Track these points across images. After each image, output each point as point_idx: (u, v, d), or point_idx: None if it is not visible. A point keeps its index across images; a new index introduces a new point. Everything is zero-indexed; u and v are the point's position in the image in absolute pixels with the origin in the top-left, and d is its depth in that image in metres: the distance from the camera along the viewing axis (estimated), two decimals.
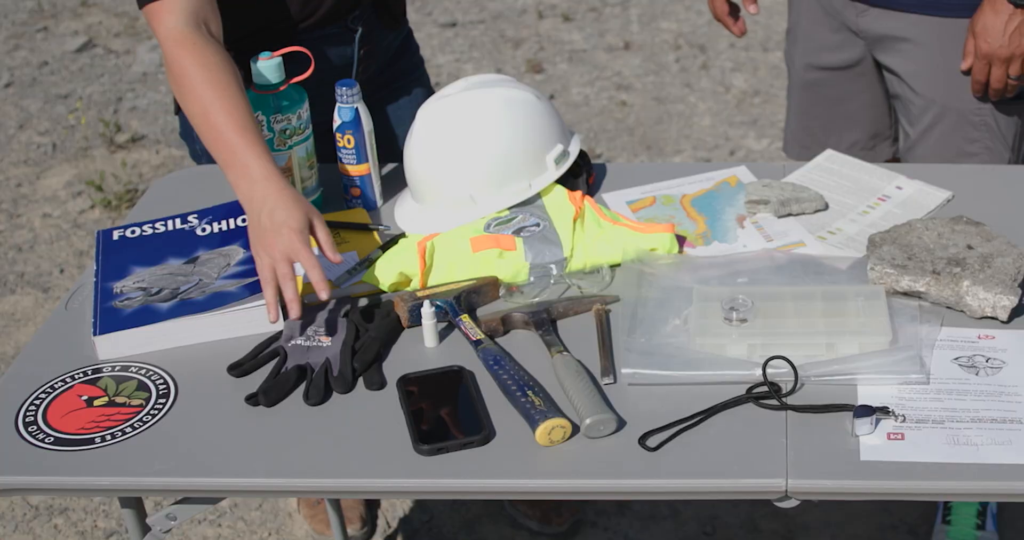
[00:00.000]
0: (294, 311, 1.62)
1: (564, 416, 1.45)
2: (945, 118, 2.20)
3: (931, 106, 2.20)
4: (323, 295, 1.60)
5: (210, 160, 2.09)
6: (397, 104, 2.18)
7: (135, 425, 1.52)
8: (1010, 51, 2.04)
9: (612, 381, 1.54)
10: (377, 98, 2.13)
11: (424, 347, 1.63)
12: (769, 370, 1.51)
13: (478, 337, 1.60)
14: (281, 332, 1.66)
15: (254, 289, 1.66)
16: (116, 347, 1.64)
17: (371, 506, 2.62)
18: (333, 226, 1.84)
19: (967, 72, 2.13)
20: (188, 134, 2.11)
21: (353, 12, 2.03)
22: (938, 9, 2.12)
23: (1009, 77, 2.08)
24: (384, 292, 1.73)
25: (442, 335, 1.65)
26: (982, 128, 2.19)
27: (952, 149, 2.22)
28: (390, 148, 2.09)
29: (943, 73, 2.16)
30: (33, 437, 1.51)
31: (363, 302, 1.72)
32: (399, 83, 2.19)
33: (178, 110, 2.05)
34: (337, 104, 1.89)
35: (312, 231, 1.64)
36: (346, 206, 1.95)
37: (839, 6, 2.25)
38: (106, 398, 1.57)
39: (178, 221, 1.86)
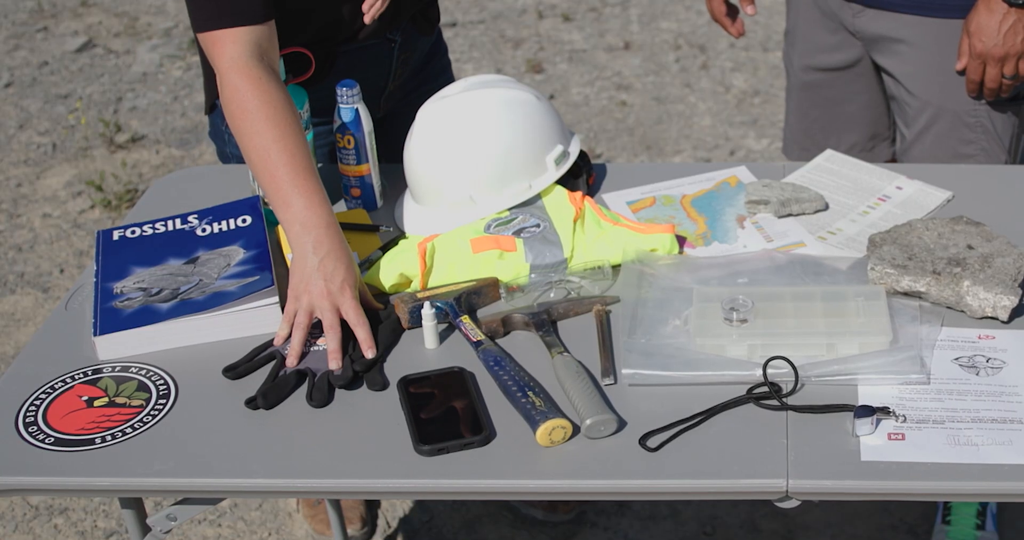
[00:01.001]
0: (335, 363, 1.58)
1: (565, 417, 1.45)
2: (941, 119, 2.20)
3: (927, 107, 2.20)
4: (370, 354, 1.59)
5: (236, 161, 2.09)
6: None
7: (135, 426, 1.52)
8: (1004, 50, 2.05)
9: (612, 382, 1.54)
10: (407, 102, 2.11)
11: (424, 348, 1.63)
12: (769, 370, 1.51)
13: (478, 338, 1.60)
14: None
15: (254, 289, 1.66)
16: (116, 347, 1.64)
17: (371, 506, 2.62)
18: None
19: (962, 72, 2.13)
20: (218, 134, 2.10)
21: (395, 26, 2.03)
22: (933, 10, 2.13)
23: (1004, 77, 2.09)
24: (385, 293, 1.73)
25: (442, 336, 1.65)
26: (978, 129, 2.19)
27: (948, 150, 2.22)
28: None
29: (938, 74, 2.17)
30: (33, 437, 1.51)
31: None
32: (428, 86, 2.17)
33: (210, 110, 2.04)
34: (337, 104, 1.89)
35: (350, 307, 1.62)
36: (346, 206, 1.95)
37: (835, 7, 2.25)
38: (106, 398, 1.57)
39: (178, 221, 1.86)
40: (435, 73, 2.20)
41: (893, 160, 2.45)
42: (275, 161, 1.67)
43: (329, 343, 1.59)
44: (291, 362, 1.60)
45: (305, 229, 1.65)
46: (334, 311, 1.61)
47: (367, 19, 1.93)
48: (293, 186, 1.66)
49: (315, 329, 1.64)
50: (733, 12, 2.36)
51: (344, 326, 1.62)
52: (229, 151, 2.08)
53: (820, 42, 2.32)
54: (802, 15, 2.34)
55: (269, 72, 1.74)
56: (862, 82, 2.33)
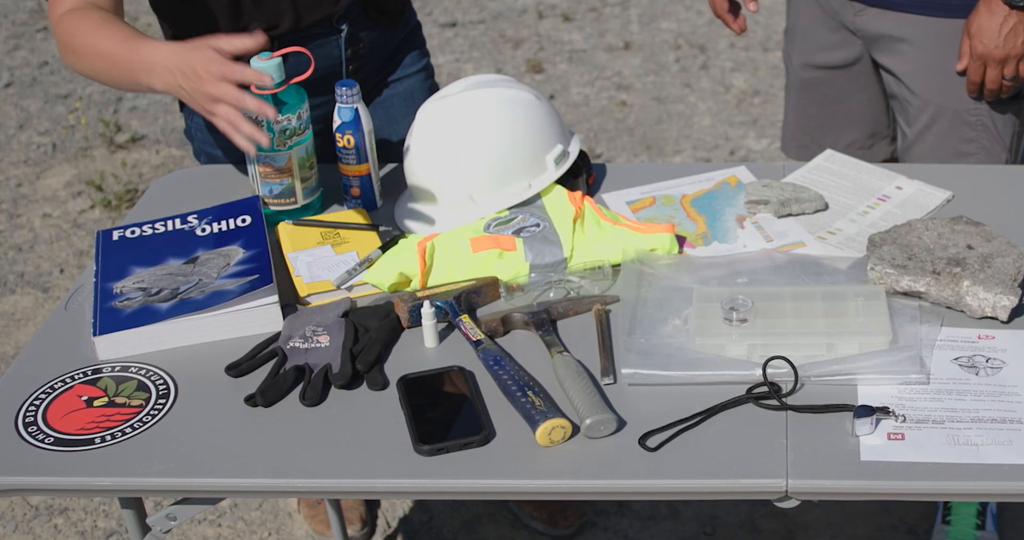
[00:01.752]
0: (265, 140, 1.63)
1: (564, 416, 1.45)
2: (942, 118, 2.20)
3: (927, 106, 2.20)
4: (270, 113, 1.63)
5: (209, 160, 2.10)
6: (391, 103, 2.17)
7: (135, 425, 1.52)
8: (1005, 52, 2.05)
9: (612, 381, 1.54)
10: (372, 98, 2.12)
11: (424, 347, 1.63)
12: (769, 370, 1.51)
13: (478, 337, 1.60)
14: (280, 333, 1.66)
15: (253, 288, 1.66)
16: (116, 347, 1.64)
17: (371, 506, 2.62)
18: (333, 226, 1.85)
19: (962, 73, 2.13)
20: (190, 133, 2.12)
21: (336, 12, 2.02)
22: (934, 9, 2.13)
23: (1004, 78, 2.09)
24: (384, 292, 1.73)
25: (442, 335, 1.65)
26: (979, 128, 2.19)
27: (949, 149, 2.22)
28: (386, 148, 2.09)
29: (939, 73, 2.17)
30: (33, 437, 1.51)
31: (363, 303, 1.72)
32: (397, 82, 2.18)
33: (183, 107, 2.05)
34: (337, 104, 1.89)
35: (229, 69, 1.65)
36: (346, 206, 1.95)
37: (836, 5, 2.25)
38: (106, 398, 1.57)
39: (178, 221, 1.86)
40: (404, 68, 2.19)
41: (892, 158, 2.45)
42: (110, 48, 1.74)
43: (241, 129, 1.63)
44: (265, 142, 1.64)
45: (153, 71, 1.69)
46: (225, 83, 1.63)
47: None
48: (127, 51, 1.72)
49: (316, 328, 1.64)
50: (735, 8, 2.36)
51: (344, 329, 1.63)
52: (198, 147, 2.09)
53: (820, 40, 2.32)
54: (802, 13, 2.34)
55: (94, 7, 1.80)
56: (862, 80, 2.33)
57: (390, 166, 2.05)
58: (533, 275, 1.72)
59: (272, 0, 1.96)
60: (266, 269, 1.70)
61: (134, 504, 1.59)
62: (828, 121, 2.40)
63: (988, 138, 2.20)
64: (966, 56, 2.10)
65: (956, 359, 1.55)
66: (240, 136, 1.64)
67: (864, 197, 1.91)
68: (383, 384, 1.56)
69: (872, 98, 2.36)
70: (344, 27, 2.04)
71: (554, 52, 4.63)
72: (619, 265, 1.74)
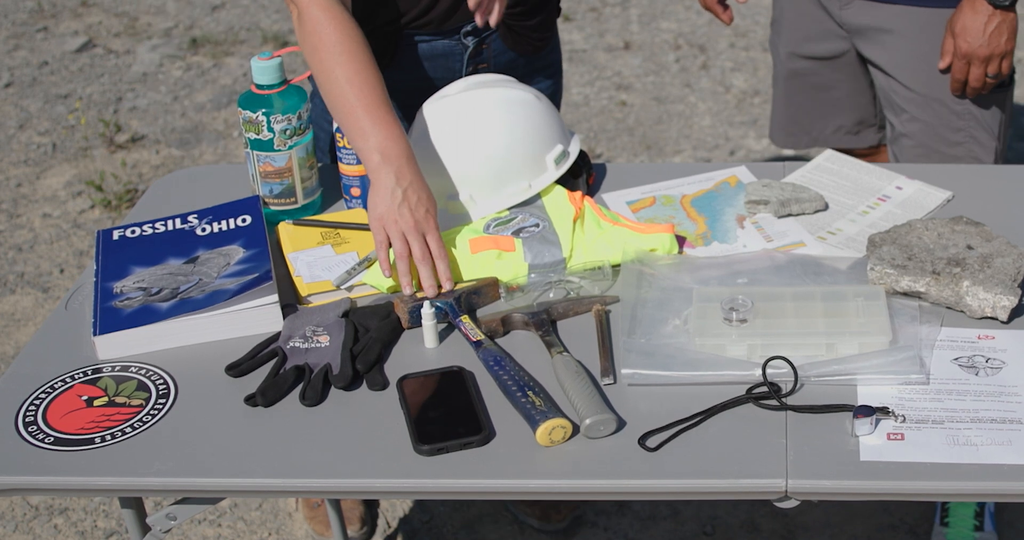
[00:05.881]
0: (431, 292, 1.66)
1: (564, 416, 1.45)
2: (929, 108, 2.22)
3: (914, 97, 2.22)
4: (448, 285, 1.67)
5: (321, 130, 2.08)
6: None
7: (135, 425, 1.52)
8: (989, 50, 2.07)
9: (612, 381, 1.54)
10: None
11: (424, 348, 1.63)
12: (769, 370, 1.51)
13: (478, 338, 1.60)
14: (280, 333, 1.66)
15: (253, 288, 1.66)
16: (116, 347, 1.64)
17: (371, 506, 2.62)
18: (333, 226, 1.85)
19: (946, 70, 2.15)
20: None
21: (467, 24, 2.01)
22: (920, 1, 2.14)
23: (987, 75, 2.11)
24: (384, 293, 1.73)
25: (442, 336, 1.65)
26: (966, 117, 2.21)
27: (937, 139, 2.24)
28: None
29: (925, 64, 2.19)
30: (33, 437, 1.51)
31: (363, 303, 1.72)
32: None
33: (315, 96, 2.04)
34: None
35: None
36: (346, 206, 1.95)
37: None
38: (106, 398, 1.57)
39: (178, 221, 1.86)
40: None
41: (880, 146, 2.48)
42: (352, 95, 1.70)
43: (422, 272, 1.66)
44: (430, 293, 1.65)
45: (386, 159, 1.68)
46: (423, 242, 1.66)
47: (479, 20, 1.94)
48: (370, 118, 1.69)
49: (316, 328, 1.64)
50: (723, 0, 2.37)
51: (344, 329, 1.62)
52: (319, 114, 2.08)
53: (807, 31, 2.35)
54: (788, 4, 2.37)
55: (345, 9, 1.77)
56: (848, 70, 2.37)
57: None
58: (533, 275, 1.72)
59: None
60: (266, 269, 1.70)
61: (134, 504, 1.59)
62: (815, 109, 2.44)
63: (976, 127, 2.22)
64: (949, 54, 2.12)
65: (956, 359, 1.55)
66: (383, 256, 1.67)
67: (864, 197, 1.91)
68: (383, 384, 1.56)
69: (859, 88, 2.39)
70: (470, 43, 2.04)
71: None
72: (619, 265, 1.75)
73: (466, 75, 2.05)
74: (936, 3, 2.14)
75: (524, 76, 2.06)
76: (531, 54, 2.12)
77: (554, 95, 2.21)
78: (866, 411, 1.43)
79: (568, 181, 1.89)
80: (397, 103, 1.76)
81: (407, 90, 1.99)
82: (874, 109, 2.42)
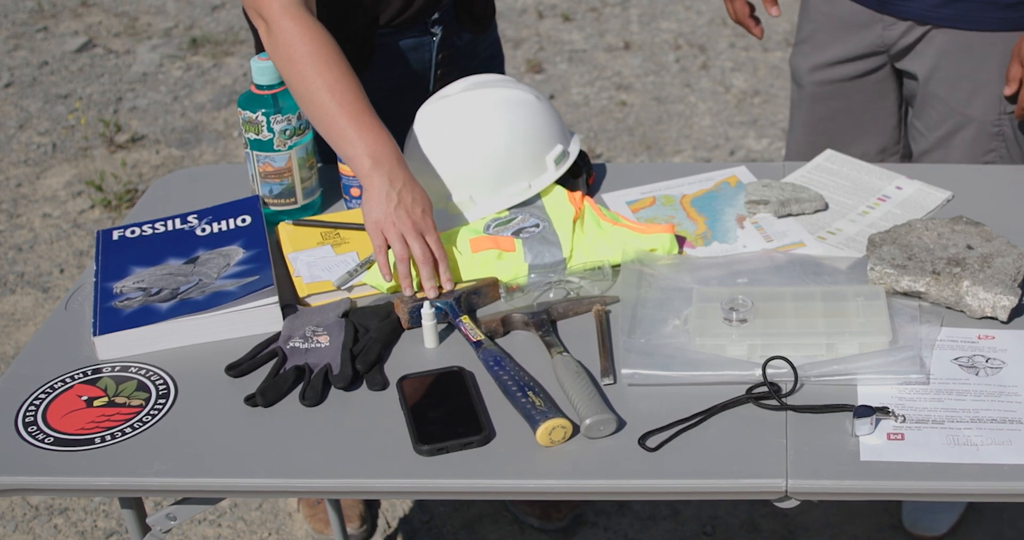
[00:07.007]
0: (432, 293, 1.65)
1: (564, 416, 1.45)
2: (965, 128, 2.18)
3: (952, 114, 2.18)
4: (448, 286, 1.67)
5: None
6: None
7: (135, 425, 1.52)
8: None
9: (612, 381, 1.54)
10: None
11: (424, 348, 1.63)
12: (769, 370, 1.51)
13: (478, 338, 1.60)
14: (280, 333, 1.66)
15: (254, 289, 1.66)
16: (116, 347, 1.64)
17: (371, 506, 2.62)
18: (333, 226, 1.85)
19: (1012, 98, 2.11)
20: None
21: (432, 14, 2.02)
22: (965, 23, 2.11)
23: None
24: (384, 293, 1.73)
25: (442, 336, 1.65)
26: (999, 138, 2.18)
27: (969, 157, 2.21)
28: None
29: (967, 83, 2.15)
30: (33, 437, 1.51)
31: (363, 303, 1.72)
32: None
33: None
34: None
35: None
36: (346, 206, 1.95)
37: (865, 19, 2.20)
38: (106, 398, 1.57)
39: (178, 221, 1.86)
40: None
41: None
42: (334, 103, 1.70)
43: (423, 273, 1.65)
44: (432, 294, 1.65)
45: (377, 163, 1.68)
46: (423, 242, 1.66)
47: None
48: (355, 125, 1.69)
49: (316, 328, 1.64)
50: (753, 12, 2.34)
51: (344, 330, 1.62)
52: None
53: (838, 52, 2.28)
54: (820, 24, 2.30)
55: (314, 18, 1.76)
56: (879, 88, 2.30)
57: None
58: (533, 276, 1.72)
59: None
60: (266, 269, 1.70)
61: (134, 504, 1.59)
62: (838, 135, 2.35)
63: (1007, 146, 2.19)
64: (1015, 81, 2.08)
65: (956, 359, 1.55)
66: (383, 260, 1.67)
67: (864, 197, 1.91)
68: (383, 384, 1.56)
69: (886, 110, 2.33)
70: (438, 31, 2.04)
71: (554, 52, 4.63)
72: (619, 265, 1.75)
73: (436, 65, 2.06)
74: (980, 26, 2.10)
75: (484, 64, 2.11)
76: (482, 34, 2.14)
77: (499, 66, 2.24)
78: (866, 411, 1.43)
79: (568, 181, 1.89)
80: (374, 104, 1.76)
81: (384, 89, 1.99)
82: (898, 134, 2.37)
